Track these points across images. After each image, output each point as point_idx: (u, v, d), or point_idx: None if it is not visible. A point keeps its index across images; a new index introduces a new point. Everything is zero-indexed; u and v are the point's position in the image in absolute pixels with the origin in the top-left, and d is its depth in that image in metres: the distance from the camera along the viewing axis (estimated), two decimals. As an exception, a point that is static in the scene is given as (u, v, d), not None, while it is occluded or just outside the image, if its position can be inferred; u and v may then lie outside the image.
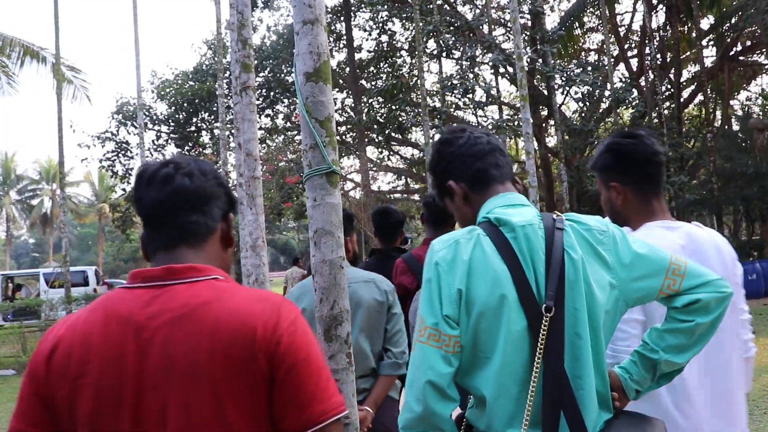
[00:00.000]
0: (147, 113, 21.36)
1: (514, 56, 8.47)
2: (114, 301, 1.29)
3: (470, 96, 15.58)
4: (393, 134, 19.95)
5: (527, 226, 1.52)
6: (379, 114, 19.74)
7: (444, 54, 15.95)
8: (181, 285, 1.28)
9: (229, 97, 22.99)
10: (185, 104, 21.16)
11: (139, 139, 14.78)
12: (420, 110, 17.42)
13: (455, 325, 1.46)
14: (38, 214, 41.84)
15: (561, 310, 1.44)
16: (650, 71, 20.42)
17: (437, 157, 1.78)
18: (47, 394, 1.24)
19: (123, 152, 21.30)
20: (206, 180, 1.40)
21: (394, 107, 17.87)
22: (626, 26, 23.59)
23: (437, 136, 11.57)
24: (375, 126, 19.26)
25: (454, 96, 16.07)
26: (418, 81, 20.17)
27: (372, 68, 21.69)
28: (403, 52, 20.17)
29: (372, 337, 2.92)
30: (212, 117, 22.55)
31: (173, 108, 21.37)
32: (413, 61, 18.87)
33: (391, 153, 23.83)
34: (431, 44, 16.38)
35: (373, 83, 20.32)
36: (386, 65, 20.37)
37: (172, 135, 21.94)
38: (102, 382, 1.21)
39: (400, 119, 18.52)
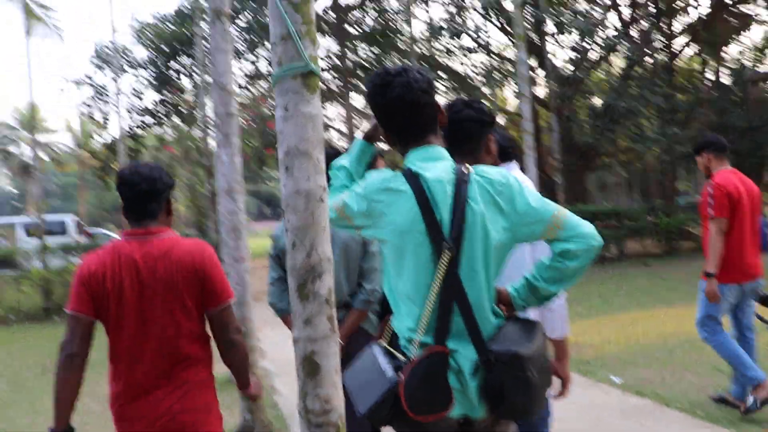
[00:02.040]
0: (125, 57, 20.56)
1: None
2: (121, 246, 2.40)
3: (458, 41, 15.03)
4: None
5: (436, 181, 1.88)
6: (364, 60, 19.14)
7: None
8: (155, 239, 2.42)
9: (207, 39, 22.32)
10: (165, 48, 20.35)
11: (114, 83, 14.09)
12: (402, 57, 16.91)
13: (358, 216, 1.95)
14: (17, 162, 40.85)
15: (459, 248, 1.84)
16: (643, 20, 19.89)
17: (370, 105, 2.05)
18: (92, 292, 2.33)
19: (101, 97, 20.55)
20: (157, 184, 2.45)
21: (379, 52, 17.29)
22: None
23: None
24: (360, 72, 18.65)
25: (441, 42, 15.49)
26: (405, 25, 19.67)
27: (358, 12, 20.92)
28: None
29: (348, 270, 3.14)
30: (193, 61, 21.79)
31: (152, 52, 20.53)
32: (400, 3, 18.14)
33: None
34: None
35: (359, 28, 19.58)
36: (372, 8, 19.59)
37: (151, 80, 21.16)
38: (124, 285, 2.34)
39: (386, 64, 17.90)
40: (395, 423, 1.91)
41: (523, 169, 5.33)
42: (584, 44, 17.12)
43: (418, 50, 17.55)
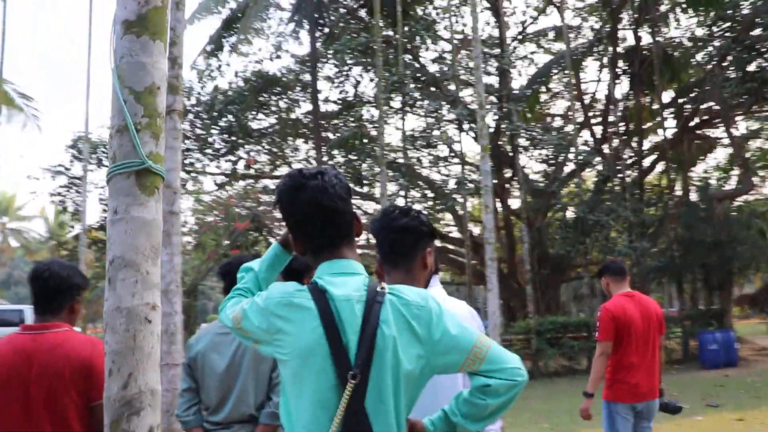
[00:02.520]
0: (104, 150, 20.64)
1: (476, 105, 8.15)
2: (15, 338, 2.53)
3: (432, 151, 15.35)
4: (354, 185, 19.57)
5: (344, 301, 1.67)
6: (339, 165, 19.43)
7: (408, 107, 15.73)
8: (49, 333, 2.51)
9: (189, 140, 22.68)
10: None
11: (82, 173, 14.03)
12: (377, 164, 17.22)
13: (256, 331, 1.72)
14: (-14, 247, 40.23)
15: (366, 377, 1.62)
16: (614, 138, 20.63)
17: (279, 208, 1.85)
18: None
19: (75, 187, 20.44)
20: (65, 282, 2.58)
21: (353, 158, 17.55)
22: (591, 94, 24.00)
23: (396, 191, 11.06)
24: (334, 176, 18.84)
25: (416, 150, 15.83)
26: (381, 132, 20.16)
27: (336, 120, 21.46)
28: (369, 105, 19.99)
29: (257, 379, 3.00)
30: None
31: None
32: (377, 113, 18.67)
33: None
34: (397, 98, 16.15)
35: (337, 134, 20.02)
36: (350, 117, 20.10)
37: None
38: (11, 376, 2.41)
39: (361, 171, 18.19)
40: None
41: (484, 281, 5.24)
42: (557, 159, 17.53)
43: (392, 157, 17.92)
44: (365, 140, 17.49)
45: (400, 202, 16.32)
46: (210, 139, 22.25)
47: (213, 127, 21.90)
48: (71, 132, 19.75)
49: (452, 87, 17.37)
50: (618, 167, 19.09)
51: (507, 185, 21.75)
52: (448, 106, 15.82)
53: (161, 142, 1.46)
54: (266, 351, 1.76)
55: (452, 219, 23.17)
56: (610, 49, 19.67)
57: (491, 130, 19.99)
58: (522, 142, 17.25)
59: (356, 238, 1.85)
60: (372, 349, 1.63)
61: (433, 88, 17.07)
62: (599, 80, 23.22)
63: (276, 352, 1.70)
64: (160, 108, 1.47)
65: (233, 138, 21.90)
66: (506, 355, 1.72)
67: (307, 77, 21.22)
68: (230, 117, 21.52)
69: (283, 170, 25.30)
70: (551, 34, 22.99)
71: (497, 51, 18.34)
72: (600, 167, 19.50)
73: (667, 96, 21.71)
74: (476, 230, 31.59)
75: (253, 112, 22.33)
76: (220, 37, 21.13)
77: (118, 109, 1.42)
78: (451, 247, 24.43)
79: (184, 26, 5.10)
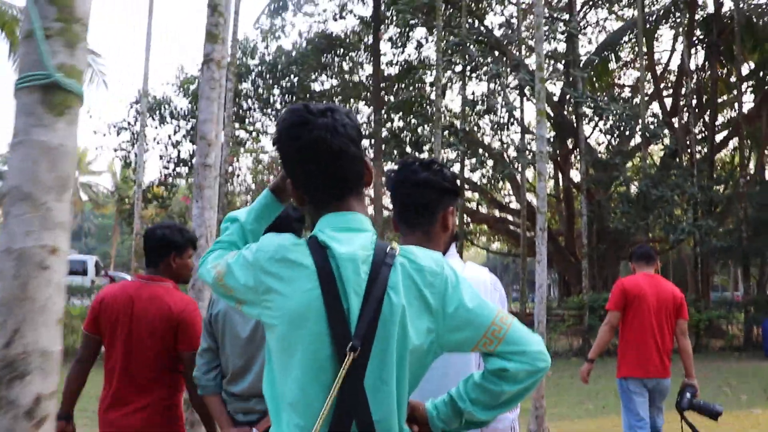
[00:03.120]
0: (168, 107, 21.04)
1: (534, 66, 7.82)
2: (128, 286, 3.08)
3: (492, 116, 14.97)
4: (411, 150, 19.38)
5: (348, 260, 1.45)
6: (398, 129, 19.25)
7: (469, 71, 15.33)
8: (152, 285, 3.06)
9: (252, 99, 22.87)
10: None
11: (140, 129, 14.32)
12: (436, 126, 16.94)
13: (241, 289, 1.52)
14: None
15: (367, 351, 1.41)
16: (685, 111, 19.68)
17: (278, 148, 1.57)
18: (98, 316, 3.03)
19: (138, 143, 20.96)
20: (161, 239, 3.11)
21: (411, 121, 17.32)
22: (664, 64, 22.92)
23: (455, 156, 10.80)
24: (392, 139, 18.70)
25: (476, 115, 15.47)
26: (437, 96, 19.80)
27: (398, 83, 21.19)
28: (431, 68, 19.63)
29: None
30: (232, 116, 22.23)
31: (193, 104, 21.00)
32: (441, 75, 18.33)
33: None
34: (458, 62, 15.75)
35: (399, 98, 19.77)
36: (411, 80, 19.81)
37: (189, 130, 21.60)
38: (119, 316, 2.97)
39: (418, 134, 17.98)
40: None
41: (534, 253, 5.11)
42: (622, 130, 16.86)
43: (451, 122, 17.58)
44: (425, 104, 17.19)
45: (457, 168, 16.05)
46: (271, 99, 22.42)
47: (275, 86, 22.04)
48: (136, 89, 20.02)
49: (516, 52, 16.86)
50: (688, 142, 18.27)
51: (569, 156, 21.15)
52: (511, 70, 15.33)
53: (78, 53, 1.19)
54: (252, 313, 1.55)
55: (511, 188, 22.76)
56: (687, 16, 18.60)
57: (556, 98, 19.48)
58: (587, 111, 16.60)
59: (365, 189, 1.63)
60: (377, 319, 1.42)
61: (497, 53, 16.57)
62: (673, 50, 22.15)
63: (263, 315, 1.49)
64: (80, 13, 1.21)
65: (294, 99, 21.98)
66: (529, 335, 1.52)
67: (371, 39, 20.98)
68: (292, 77, 21.59)
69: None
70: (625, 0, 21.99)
71: (566, 16, 17.63)
72: (668, 141, 18.70)
73: (746, 68, 20.52)
74: (535, 201, 31.13)
75: (316, 74, 22.30)
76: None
77: (26, 9, 1.17)
78: (509, 218, 24.07)
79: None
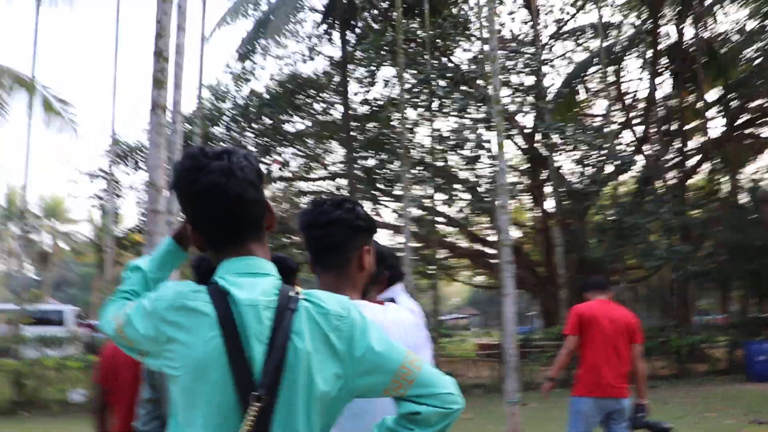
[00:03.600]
0: (141, 153, 20.89)
1: (491, 95, 7.80)
2: None
3: (462, 150, 14.98)
4: (385, 187, 19.35)
5: (250, 306, 1.39)
6: (367, 166, 19.26)
7: (437, 106, 15.39)
8: None
9: (225, 143, 22.78)
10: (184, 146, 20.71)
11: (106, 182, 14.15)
12: (404, 163, 16.94)
13: (142, 341, 1.44)
14: (37, 249, 41.34)
15: (273, 400, 1.35)
16: (656, 138, 19.86)
17: (176, 193, 1.51)
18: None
19: (114, 191, 20.77)
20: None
21: (381, 157, 17.31)
22: (632, 93, 23.22)
23: (426, 191, 10.75)
24: (365, 177, 18.67)
25: (445, 151, 15.49)
26: (407, 133, 19.82)
27: (367, 122, 21.29)
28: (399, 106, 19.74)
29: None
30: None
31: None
32: (405, 113, 18.40)
33: (379, 206, 23.22)
34: (424, 98, 15.82)
35: (368, 135, 19.81)
36: (380, 119, 19.89)
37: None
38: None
39: (389, 171, 17.96)
40: None
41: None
42: (592, 159, 16.95)
43: (421, 158, 17.59)
44: (394, 142, 17.20)
45: (427, 203, 15.97)
46: (243, 142, 22.37)
47: (248, 129, 22.01)
48: (108, 137, 19.93)
49: (484, 86, 16.97)
50: (660, 168, 18.38)
51: (543, 187, 21.20)
52: (478, 104, 15.39)
53: None
54: (154, 365, 1.46)
55: (490, 221, 22.74)
56: (651, 45, 18.92)
57: (527, 131, 19.60)
58: (557, 141, 16.68)
59: (267, 232, 1.56)
60: (281, 366, 1.36)
61: (464, 87, 16.66)
62: (641, 79, 22.52)
63: (165, 366, 1.42)
64: None
65: (267, 140, 21.95)
66: (440, 378, 1.47)
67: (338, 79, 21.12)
68: (265, 119, 21.60)
69: (319, 173, 25.38)
70: (590, 32, 22.36)
71: (532, 49, 17.85)
72: (641, 169, 18.83)
73: (713, 94, 20.83)
74: (515, 233, 31.08)
75: (288, 115, 22.32)
76: (251, 39, 21.14)
77: None
78: (489, 251, 23.97)
79: (170, 19, 4.89)
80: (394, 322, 1.83)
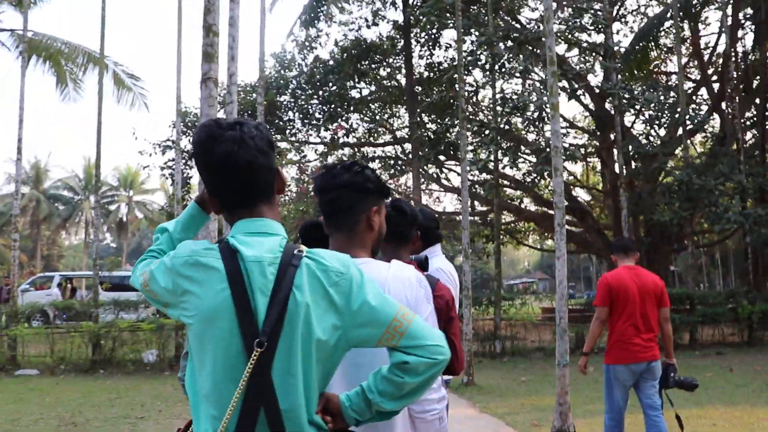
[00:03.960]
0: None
1: (544, 32, 7.68)
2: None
3: (526, 113, 14.73)
4: (449, 151, 19.26)
5: (255, 262, 1.56)
6: (431, 131, 19.17)
7: (498, 68, 15.13)
8: None
9: (292, 111, 23.19)
10: (247, 115, 21.21)
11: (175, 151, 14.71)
12: (470, 126, 16.77)
13: (163, 293, 1.63)
14: (115, 219, 43.44)
15: (274, 345, 1.50)
16: (734, 95, 18.91)
17: (195, 162, 1.69)
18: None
19: (184, 161, 21.51)
20: None
21: (444, 122, 17.19)
22: (711, 48, 22.10)
23: (485, 155, 10.74)
24: (426, 141, 18.63)
25: (508, 113, 15.24)
26: (472, 96, 19.58)
27: (430, 86, 21.15)
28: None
29: None
30: (273, 129, 22.58)
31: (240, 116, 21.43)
32: (468, 77, 18.15)
33: (444, 171, 23.11)
34: (486, 59, 15.54)
35: (429, 99, 19.73)
36: (443, 82, 19.70)
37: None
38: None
39: (450, 136, 17.87)
40: None
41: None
42: (662, 119, 16.35)
43: (483, 120, 17.42)
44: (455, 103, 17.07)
45: (490, 166, 15.84)
46: (311, 110, 22.69)
47: (314, 97, 22.30)
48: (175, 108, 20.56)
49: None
50: (737, 128, 17.55)
51: (612, 149, 20.65)
52: (543, 66, 15.06)
53: None
54: (174, 314, 1.66)
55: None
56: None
57: (597, 90, 19.02)
58: (626, 102, 16.14)
59: (278, 195, 1.74)
60: (282, 316, 1.51)
61: (530, 48, 16.30)
62: (721, 32, 21.34)
63: (182, 315, 1.61)
64: None
65: (333, 107, 22.18)
66: (428, 331, 1.61)
67: (400, 42, 21.03)
68: (330, 86, 21.80)
69: (385, 138, 25.51)
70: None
71: (599, 5, 17.24)
72: (716, 129, 18.04)
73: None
74: (585, 197, 30.40)
75: (353, 81, 22.45)
76: (315, 7, 21.26)
77: None
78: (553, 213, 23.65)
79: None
80: (396, 278, 1.99)
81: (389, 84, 23.80)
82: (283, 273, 1.54)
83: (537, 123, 15.16)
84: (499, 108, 15.19)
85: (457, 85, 12.44)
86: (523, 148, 18.51)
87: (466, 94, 18.17)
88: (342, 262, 1.62)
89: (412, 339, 1.58)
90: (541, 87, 16.69)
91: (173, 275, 1.60)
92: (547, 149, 18.22)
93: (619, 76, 16.85)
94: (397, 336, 1.57)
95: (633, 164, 18.14)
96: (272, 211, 1.69)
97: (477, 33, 15.74)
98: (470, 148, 16.94)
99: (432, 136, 18.87)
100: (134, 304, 14.34)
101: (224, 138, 1.61)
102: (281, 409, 1.50)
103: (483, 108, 21.17)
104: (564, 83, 17.60)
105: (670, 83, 21.88)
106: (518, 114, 15.35)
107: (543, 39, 8.60)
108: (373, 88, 23.70)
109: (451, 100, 17.17)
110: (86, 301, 15.49)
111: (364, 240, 2.06)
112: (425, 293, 2.06)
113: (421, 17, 17.06)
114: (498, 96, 15.43)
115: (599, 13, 16.45)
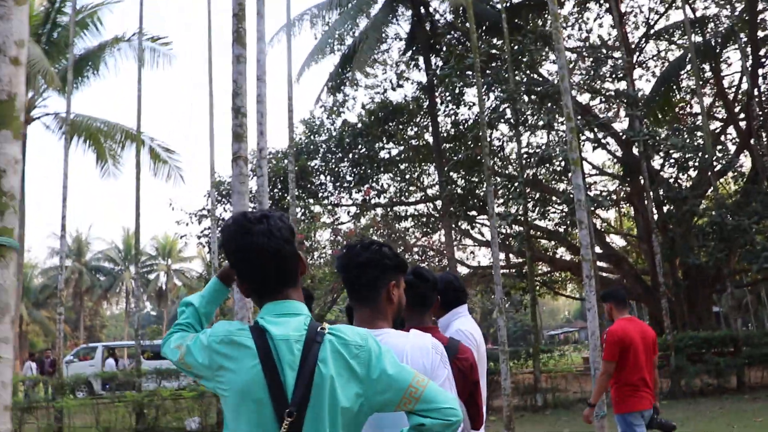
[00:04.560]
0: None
1: (565, 113, 7.92)
2: None
3: (550, 165, 14.90)
4: (479, 206, 19.45)
5: (283, 340, 1.75)
6: (460, 187, 19.40)
7: (521, 123, 15.43)
8: None
9: (324, 174, 23.73)
10: (279, 181, 21.75)
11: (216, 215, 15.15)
12: (499, 180, 16.97)
13: (199, 368, 1.83)
14: (154, 288, 44.24)
15: (302, 415, 1.68)
16: (760, 133, 18.84)
17: (224, 251, 1.91)
18: None
19: (219, 229, 22.02)
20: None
21: (472, 178, 17.41)
22: (734, 88, 22.13)
23: (514, 208, 10.90)
24: (456, 197, 18.87)
25: (532, 164, 15.45)
26: (499, 151, 19.83)
27: (456, 143, 21.51)
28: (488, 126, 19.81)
29: None
30: (305, 194, 23.09)
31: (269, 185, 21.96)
32: (494, 132, 18.47)
33: (473, 226, 23.19)
34: (509, 114, 15.88)
35: (456, 156, 20.08)
36: (468, 139, 20.06)
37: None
38: None
39: (478, 192, 18.07)
40: None
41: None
42: (689, 162, 16.35)
43: (510, 175, 17.62)
44: (480, 159, 17.35)
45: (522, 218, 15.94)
46: (342, 173, 23.20)
47: (344, 160, 22.81)
48: (209, 179, 21.22)
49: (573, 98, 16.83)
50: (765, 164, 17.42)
51: (642, 194, 20.59)
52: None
53: (7, 218, 1.84)
54: (208, 386, 1.86)
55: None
56: (751, 36, 18.04)
57: (623, 137, 19.15)
58: (653, 147, 16.23)
59: (301, 277, 1.93)
60: (309, 387, 1.69)
61: (549, 103, 16.62)
62: (744, 71, 21.40)
63: (217, 388, 1.80)
64: (6, 188, 1.83)
65: (363, 169, 22.65)
66: (442, 395, 1.80)
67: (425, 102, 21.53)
68: (359, 149, 22.32)
69: (416, 196, 25.81)
70: (683, 29, 21.59)
71: (618, 54, 17.57)
72: (748, 165, 17.91)
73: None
74: (620, 242, 30.10)
75: (381, 142, 22.95)
76: (340, 73, 21.97)
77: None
78: (597, 263, 23.49)
79: (245, 78, 5.44)
80: (414, 347, 2.15)
81: (417, 143, 24.25)
82: (308, 349, 1.73)
83: (562, 175, 15.30)
84: (525, 161, 15.40)
85: (481, 142, 12.72)
86: (554, 198, 18.63)
87: (493, 148, 18.50)
88: (361, 336, 1.82)
89: (427, 403, 1.76)
90: (565, 138, 16.89)
91: (210, 352, 1.79)
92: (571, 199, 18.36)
93: (644, 122, 17.00)
94: (414, 401, 1.75)
95: (665, 208, 18.07)
96: (297, 292, 1.89)
97: (499, 89, 16.09)
98: (499, 201, 17.11)
99: (461, 192, 19.11)
100: (175, 372, 14.59)
101: (254, 231, 1.83)
102: None
103: (511, 162, 21.43)
104: (589, 133, 17.75)
105: (697, 124, 21.92)
106: (544, 166, 15.53)
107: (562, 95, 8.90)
108: (401, 148, 24.16)
109: (478, 157, 17.47)
110: (129, 371, 15.79)
111: (385, 312, 2.23)
112: (441, 358, 2.20)
113: (444, 78, 17.51)
114: (524, 150, 15.67)
115: (619, 62, 16.73)
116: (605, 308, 5.82)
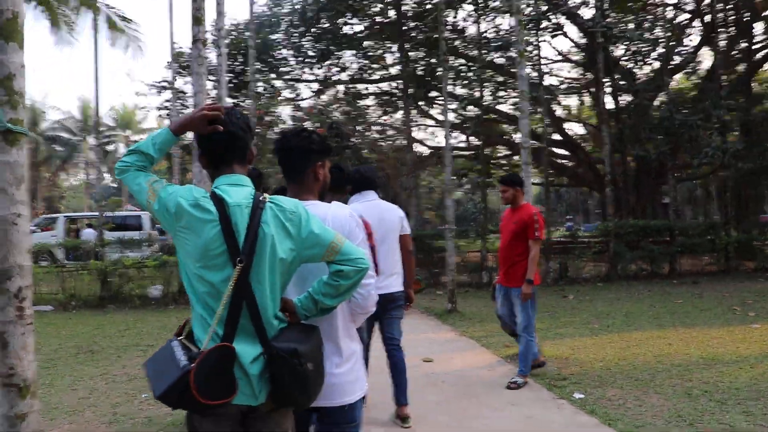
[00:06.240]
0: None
1: None
2: None
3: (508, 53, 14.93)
4: (437, 87, 19.52)
5: (236, 206, 2.24)
6: (421, 66, 19.35)
7: (482, 7, 15.28)
8: None
9: (285, 49, 23.26)
10: (240, 54, 21.34)
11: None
12: (459, 62, 16.97)
13: (162, 212, 2.25)
14: (113, 159, 43.71)
15: (250, 262, 2.20)
16: (723, 28, 18.98)
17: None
18: None
19: (180, 101, 21.75)
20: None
21: (432, 59, 17.32)
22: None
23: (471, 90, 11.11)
24: (416, 77, 18.88)
25: (491, 50, 15.46)
26: (461, 34, 19.62)
27: (419, 22, 21.18)
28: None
29: None
30: (267, 68, 22.76)
31: (233, 58, 21.51)
32: (457, 14, 18.22)
33: (433, 107, 23.33)
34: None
35: (415, 38, 19.83)
36: (429, 19, 19.77)
37: (229, 83, 22.14)
38: None
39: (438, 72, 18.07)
40: (187, 406, 2.13)
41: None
42: (650, 54, 16.56)
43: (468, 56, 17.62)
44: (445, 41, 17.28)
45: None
46: (304, 47, 22.80)
47: (306, 34, 22.36)
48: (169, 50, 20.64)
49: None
50: (727, 62, 17.73)
51: (603, 83, 20.87)
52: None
53: (19, 111, 2.30)
54: (165, 227, 2.31)
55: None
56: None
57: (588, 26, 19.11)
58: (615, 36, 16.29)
59: (249, 163, 2.45)
60: (255, 242, 2.22)
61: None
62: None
63: (177, 237, 2.25)
64: (17, 88, 2.29)
65: (325, 43, 22.28)
66: (355, 249, 2.35)
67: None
68: (323, 22, 21.82)
69: (380, 74, 25.58)
70: None
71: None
72: (711, 62, 18.16)
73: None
74: (580, 130, 30.65)
75: (345, 18, 22.43)
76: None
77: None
78: (553, 149, 24.04)
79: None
80: (334, 215, 2.60)
81: (381, 20, 23.76)
82: (254, 213, 2.24)
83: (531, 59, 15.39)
84: (483, 44, 15.41)
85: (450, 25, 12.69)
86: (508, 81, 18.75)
87: (457, 29, 18.31)
88: (294, 204, 2.35)
89: (344, 255, 2.30)
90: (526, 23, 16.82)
91: (181, 209, 2.21)
92: (538, 83, 18.54)
93: (608, 11, 16.97)
94: (335, 253, 2.30)
95: (621, 100, 18.46)
96: (243, 169, 2.41)
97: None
98: (459, 83, 17.22)
99: (421, 73, 19.10)
100: (138, 242, 15.01)
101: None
102: (257, 304, 2.20)
103: (473, 44, 21.31)
104: (553, 18, 17.69)
105: (664, 14, 21.86)
106: (501, 52, 15.59)
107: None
108: (366, 24, 23.66)
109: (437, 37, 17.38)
110: (96, 241, 16.11)
111: (312, 188, 2.69)
112: (357, 223, 2.65)
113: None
114: (487, 33, 15.63)
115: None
116: (509, 192, 6.15)
